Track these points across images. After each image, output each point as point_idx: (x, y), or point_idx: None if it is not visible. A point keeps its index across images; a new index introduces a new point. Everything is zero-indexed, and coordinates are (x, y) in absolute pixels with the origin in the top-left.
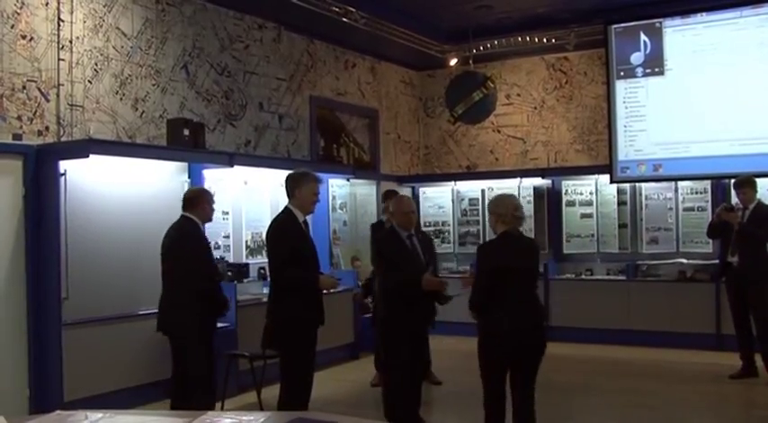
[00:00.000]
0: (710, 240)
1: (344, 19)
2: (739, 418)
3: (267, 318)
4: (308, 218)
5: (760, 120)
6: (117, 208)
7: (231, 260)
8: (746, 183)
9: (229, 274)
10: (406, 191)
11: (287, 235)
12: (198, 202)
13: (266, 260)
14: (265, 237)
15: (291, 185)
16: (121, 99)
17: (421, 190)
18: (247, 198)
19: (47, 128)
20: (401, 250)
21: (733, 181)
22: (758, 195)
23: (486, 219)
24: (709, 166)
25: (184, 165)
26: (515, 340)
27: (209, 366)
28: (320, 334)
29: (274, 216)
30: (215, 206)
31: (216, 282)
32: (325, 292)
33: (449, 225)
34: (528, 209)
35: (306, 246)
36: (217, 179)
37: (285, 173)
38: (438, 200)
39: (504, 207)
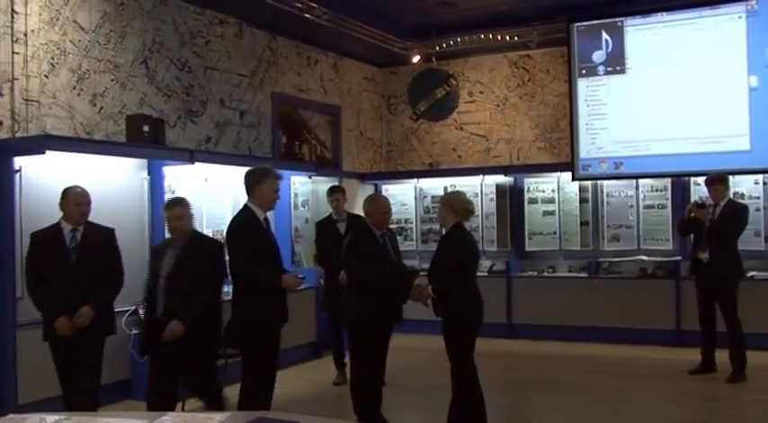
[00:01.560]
0: (671, 238)
1: (307, 15)
2: (698, 411)
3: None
4: (270, 215)
5: (716, 119)
6: None
7: None
8: (718, 180)
9: None
10: (368, 188)
11: (247, 233)
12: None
13: (228, 259)
14: (225, 235)
15: (251, 182)
16: (79, 94)
17: (383, 187)
18: (208, 196)
19: (0, 123)
20: (377, 248)
21: (705, 177)
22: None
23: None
24: (670, 164)
25: (144, 161)
26: (480, 314)
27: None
28: (282, 332)
29: (235, 214)
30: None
31: None
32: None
33: (411, 222)
34: (490, 206)
35: (267, 243)
36: (177, 176)
37: (246, 170)
38: (401, 197)
39: (459, 200)
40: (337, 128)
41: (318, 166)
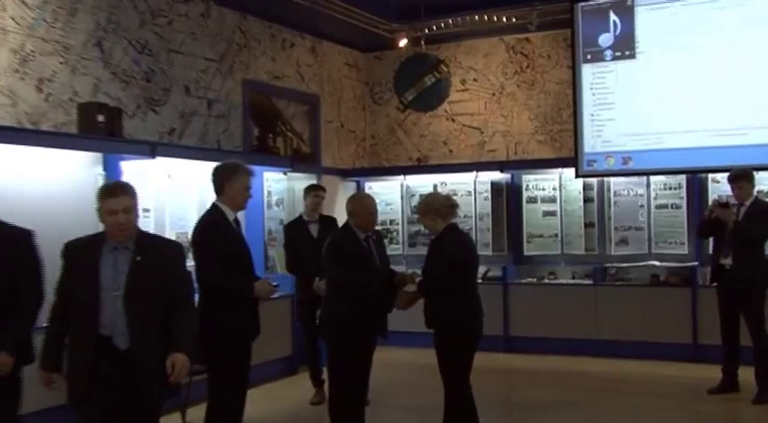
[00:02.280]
0: (686, 241)
1: None
2: None
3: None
4: (241, 216)
5: (740, 108)
6: (18, 204)
7: None
8: (744, 176)
9: None
10: (349, 186)
11: (216, 236)
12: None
13: (193, 264)
14: (191, 238)
15: (220, 179)
16: (23, 79)
17: (367, 184)
18: (172, 194)
19: None
20: (362, 252)
21: (727, 174)
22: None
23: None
24: (685, 159)
25: (98, 156)
26: (479, 326)
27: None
28: (254, 346)
29: (202, 214)
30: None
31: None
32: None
33: (397, 224)
34: (485, 206)
35: (238, 247)
36: (136, 172)
37: (214, 165)
38: (386, 196)
39: (437, 202)
40: (315, 119)
41: (294, 161)
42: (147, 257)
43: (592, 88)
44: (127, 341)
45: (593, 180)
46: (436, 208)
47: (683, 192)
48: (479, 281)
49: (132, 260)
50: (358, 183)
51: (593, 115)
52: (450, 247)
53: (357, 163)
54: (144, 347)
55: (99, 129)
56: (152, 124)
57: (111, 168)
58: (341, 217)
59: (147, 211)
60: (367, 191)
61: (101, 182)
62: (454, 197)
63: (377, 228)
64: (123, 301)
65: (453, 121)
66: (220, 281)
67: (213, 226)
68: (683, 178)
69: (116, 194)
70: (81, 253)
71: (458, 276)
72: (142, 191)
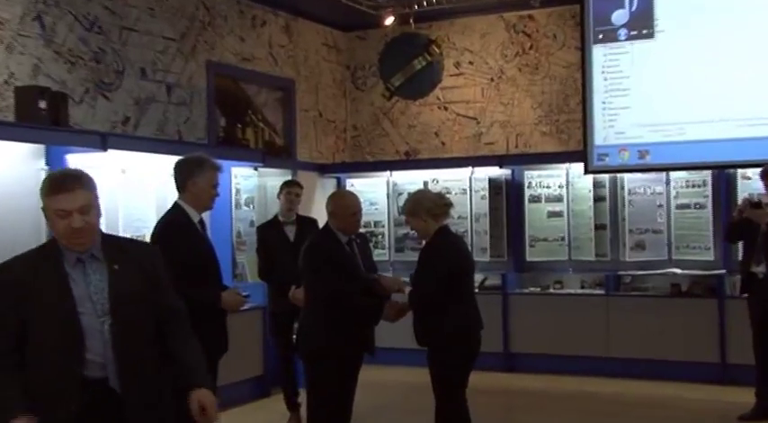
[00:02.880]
0: (712, 245)
1: None
2: None
3: None
4: (205, 217)
5: None
6: None
7: None
8: None
9: None
10: (329, 183)
11: (178, 239)
12: None
13: None
14: (152, 238)
15: (183, 175)
16: None
17: (348, 182)
18: (126, 192)
19: None
20: (345, 258)
21: (760, 169)
22: None
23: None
24: (710, 153)
25: (40, 148)
26: (477, 340)
27: None
28: (221, 365)
29: (163, 214)
30: None
31: None
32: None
33: (383, 226)
34: (482, 206)
35: (203, 253)
36: (85, 167)
37: (175, 159)
38: (370, 194)
39: (428, 200)
40: (290, 107)
41: (266, 154)
42: (124, 265)
43: (604, 72)
44: (119, 380)
45: (605, 176)
46: (428, 207)
47: (708, 190)
48: (476, 290)
49: (109, 271)
50: (338, 179)
51: (604, 103)
52: (445, 255)
53: (337, 157)
54: (144, 385)
55: (40, 117)
56: (102, 112)
57: (54, 162)
58: (320, 218)
59: None
60: (348, 188)
61: (43, 176)
62: (447, 196)
63: (361, 230)
64: (110, 328)
65: (446, 109)
66: (182, 291)
67: (175, 228)
68: (708, 174)
69: (67, 188)
70: (34, 275)
71: (453, 286)
72: None
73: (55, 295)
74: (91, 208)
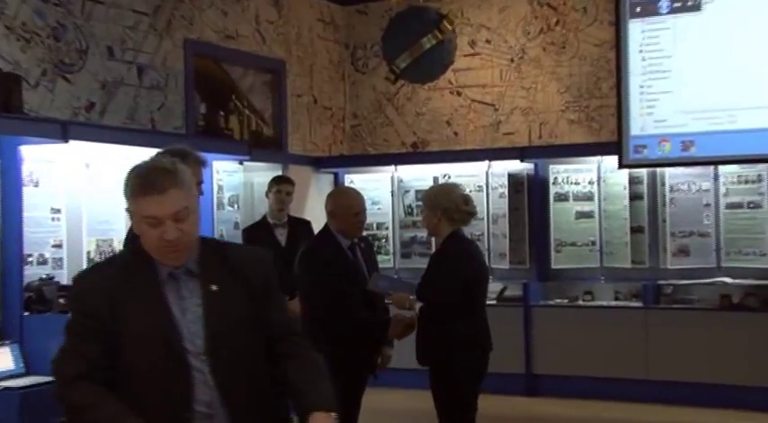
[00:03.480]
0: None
1: None
2: None
3: None
4: None
5: None
6: None
7: (65, 281)
8: None
9: (61, 301)
10: (324, 179)
11: None
12: None
13: None
14: (125, 244)
15: None
16: None
17: (347, 177)
18: (91, 189)
19: None
20: (346, 266)
21: None
22: None
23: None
24: (766, 144)
25: None
26: (485, 361)
27: None
28: None
29: None
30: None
31: None
32: None
33: (387, 228)
34: (500, 206)
35: None
36: (42, 160)
37: (148, 152)
38: (372, 192)
39: (450, 199)
40: (281, 92)
41: (253, 146)
42: (225, 283)
43: (642, 51)
44: None
45: (643, 171)
46: (446, 207)
47: (764, 186)
48: (493, 302)
49: (205, 294)
50: (336, 175)
51: (642, 87)
52: (458, 264)
53: (334, 149)
54: None
55: None
56: (63, 97)
57: (6, 155)
58: (314, 220)
59: (56, 211)
60: (348, 185)
61: None
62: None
63: (364, 233)
64: (209, 364)
65: (459, 95)
66: None
67: None
68: (763, 168)
69: (158, 189)
70: (130, 292)
71: (463, 298)
72: (49, 186)
73: (154, 323)
74: (189, 213)
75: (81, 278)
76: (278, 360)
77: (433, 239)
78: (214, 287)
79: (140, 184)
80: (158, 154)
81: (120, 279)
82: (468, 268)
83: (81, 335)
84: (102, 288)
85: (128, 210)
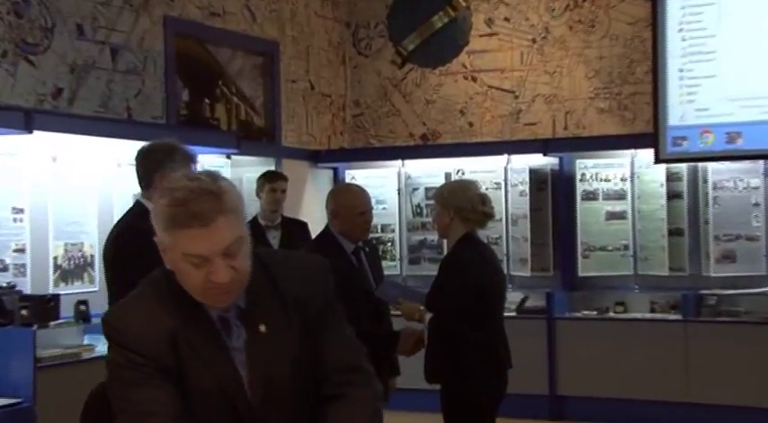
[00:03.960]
0: None
1: None
2: None
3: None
4: None
5: None
6: None
7: (28, 290)
8: None
9: (24, 313)
10: (323, 175)
11: (145, 250)
12: None
13: (93, 289)
14: (103, 254)
15: (148, 167)
16: None
17: (348, 173)
18: (58, 186)
19: None
20: (351, 273)
21: None
22: None
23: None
24: None
25: None
26: (503, 381)
27: None
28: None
29: (120, 218)
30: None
31: None
32: None
33: (393, 230)
34: (520, 205)
35: None
36: (4, 153)
37: (123, 144)
38: (376, 190)
39: (465, 197)
40: (273, 77)
41: (243, 138)
42: (275, 320)
43: (681, 30)
44: None
45: (682, 166)
46: (460, 206)
47: None
48: (512, 314)
49: (250, 339)
50: (335, 171)
51: (682, 71)
52: (471, 269)
53: (334, 142)
54: None
55: None
56: (26, 82)
57: None
58: (311, 221)
59: (19, 211)
60: (349, 182)
61: None
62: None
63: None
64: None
65: (474, 80)
66: None
67: (139, 236)
68: None
69: (203, 220)
70: (184, 334)
71: (477, 309)
72: (11, 183)
73: (216, 376)
74: (241, 244)
75: (123, 315)
76: (322, 403)
77: (445, 243)
78: (262, 327)
79: (179, 214)
80: (144, 148)
81: (175, 317)
82: (482, 274)
83: (145, 383)
84: (160, 328)
85: (157, 240)
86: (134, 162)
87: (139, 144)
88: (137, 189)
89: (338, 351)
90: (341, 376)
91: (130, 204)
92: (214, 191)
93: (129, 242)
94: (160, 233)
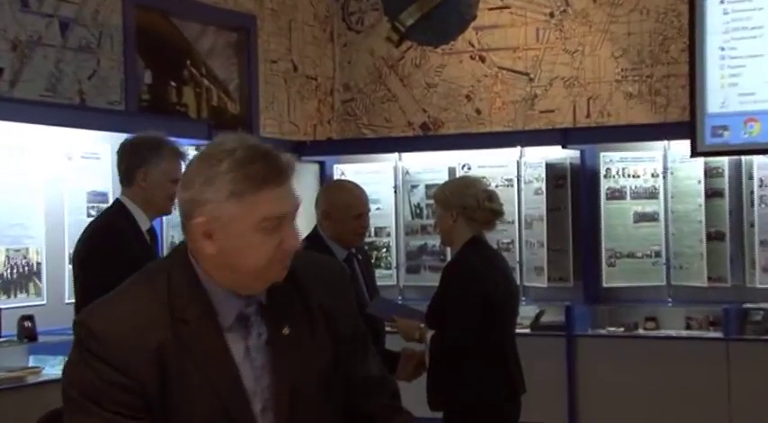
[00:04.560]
0: None
1: None
2: None
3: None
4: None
5: None
6: None
7: None
8: None
9: None
10: (308, 170)
11: (121, 254)
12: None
13: (40, 303)
14: (73, 258)
15: (132, 162)
16: None
17: (337, 168)
18: None
19: None
20: None
21: None
22: None
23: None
24: None
25: None
26: (516, 407)
27: None
28: None
29: (95, 216)
30: None
31: None
32: None
33: (388, 234)
34: (536, 205)
35: None
36: None
37: (74, 134)
38: (369, 187)
39: (470, 195)
40: (250, 57)
41: (215, 127)
42: (299, 322)
43: (723, 1)
44: None
45: (723, 161)
46: (465, 205)
47: None
48: (526, 331)
49: (273, 341)
50: (322, 165)
51: (723, 49)
52: (477, 278)
53: (320, 132)
54: None
55: None
56: None
57: None
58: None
59: None
60: (339, 178)
61: None
62: None
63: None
64: None
65: (483, 61)
66: None
67: (115, 238)
68: None
69: (285, 174)
70: (177, 345)
71: (486, 325)
72: None
73: (219, 396)
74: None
75: (107, 314)
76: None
77: (449, 250)
78: (286, 329)
79: (253, 173)
80: (127, 141)
81: (169, 327)
82: (490, 283)
83: (112, 416)
84: (149, 337)
85: (200, 221)
86: (116, 156)
87: (93, 134)
88: (91, 186)
89: (378, 372)
90: (388, 399)
91: (83, 203)
92: (265, 146)
93: (103, 241)
94: (219, 206)
